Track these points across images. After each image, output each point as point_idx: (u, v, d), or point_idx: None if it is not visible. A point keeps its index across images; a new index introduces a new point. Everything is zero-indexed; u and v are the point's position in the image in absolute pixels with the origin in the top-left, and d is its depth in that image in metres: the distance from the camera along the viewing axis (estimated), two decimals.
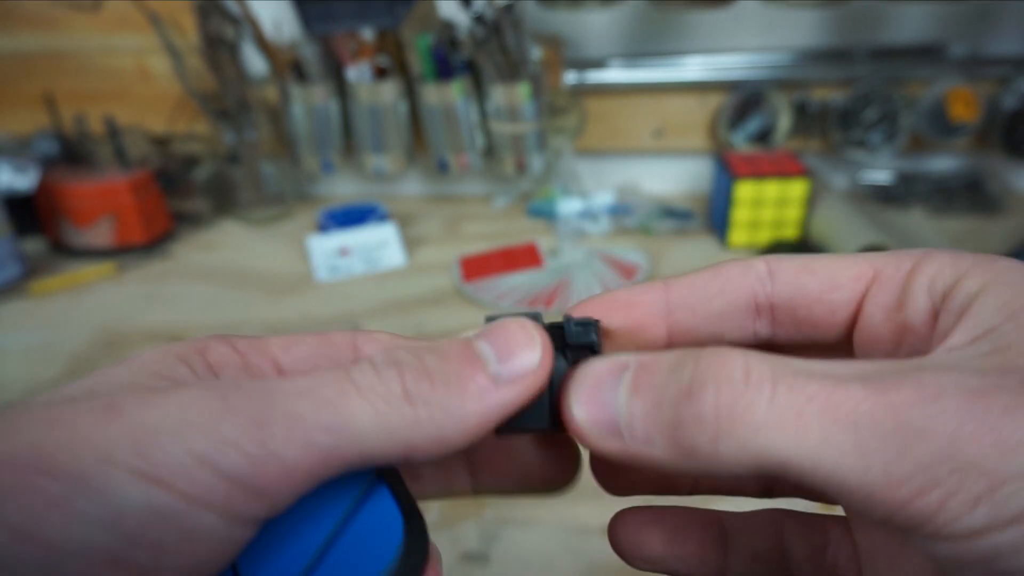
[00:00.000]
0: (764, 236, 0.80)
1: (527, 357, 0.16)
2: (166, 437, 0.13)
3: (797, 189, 0.77)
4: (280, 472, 0.14)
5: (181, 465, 0.13)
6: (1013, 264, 0.15)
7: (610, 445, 0.15)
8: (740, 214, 0.80)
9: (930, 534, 0.12)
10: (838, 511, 0.19)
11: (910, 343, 0.16)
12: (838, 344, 0.18)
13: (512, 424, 0.17)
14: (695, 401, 0.13)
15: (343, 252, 0.81)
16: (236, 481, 0.13)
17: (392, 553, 0.17)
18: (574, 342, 0.18)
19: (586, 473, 0.47)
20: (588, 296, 0.19)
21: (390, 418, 0.15)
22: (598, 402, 0.15)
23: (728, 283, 0.18)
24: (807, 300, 0.17)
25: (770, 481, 0.21)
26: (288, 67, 0.89)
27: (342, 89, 0.90)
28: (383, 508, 0.17)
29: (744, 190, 0.78)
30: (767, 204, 0.79)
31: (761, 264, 0.18)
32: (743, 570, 0.19)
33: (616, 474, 0.21)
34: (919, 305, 0.15)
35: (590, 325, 0.18)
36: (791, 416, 0.12)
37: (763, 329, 0.18)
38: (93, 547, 0.12)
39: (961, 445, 0.12)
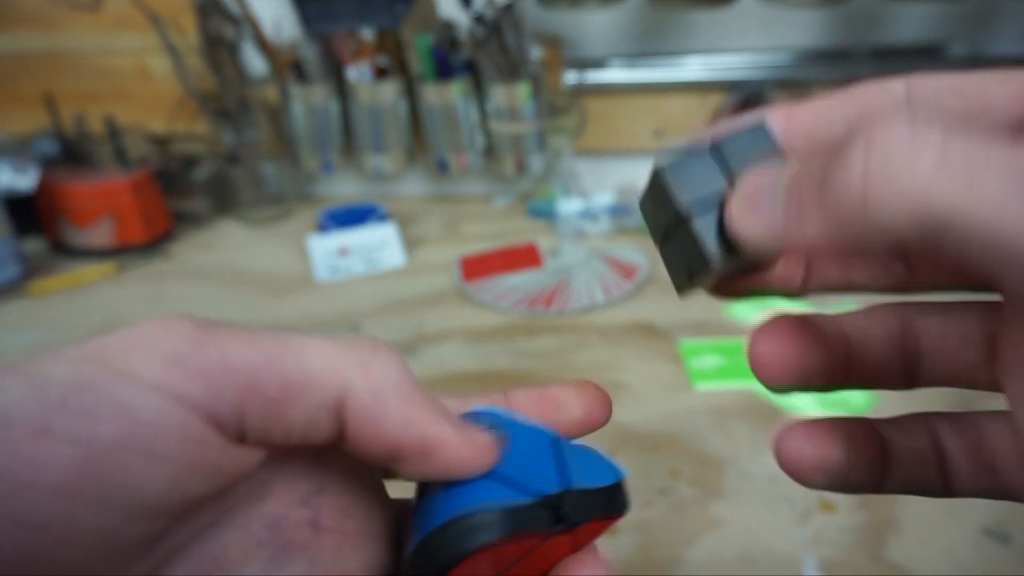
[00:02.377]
0: None
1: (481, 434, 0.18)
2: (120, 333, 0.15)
3: None
4: (228, 370, 0.15)
5: (128, 348, 0.14)
6: None
7: (767, 240, 0.14)
8: None
9: None
10: (986, 405, 0.18)
11: None
12: None
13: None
14: (845, 157, 0.12)
15: (343, 252, 0.81)
16: (183, 366, 0.14)
17: (615, 472, 0.19)
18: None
19: None
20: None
21: (337, 357, 0.16)
22: (757, 203, 0.15)
23: (860, 109, 0.16)
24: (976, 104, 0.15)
25: (909, 268, 0.18)
26: (288, 67, 0.89)
27: (342, 89, 0.90)
28: (583, 452, 0.20)
29: None
30: None
31: (900, 85, 0.16)
32: (906, 476, 0.18)
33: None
34: None
35: (759, 133, 0.16)
36: (963, 172, 0.11)
37: None
38: (18, 414, 0.13)
39: None
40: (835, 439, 0.18)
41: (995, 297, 0.16)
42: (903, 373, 0.18)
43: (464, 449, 0.17)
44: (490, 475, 0.17)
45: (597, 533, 0.20)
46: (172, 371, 0.14)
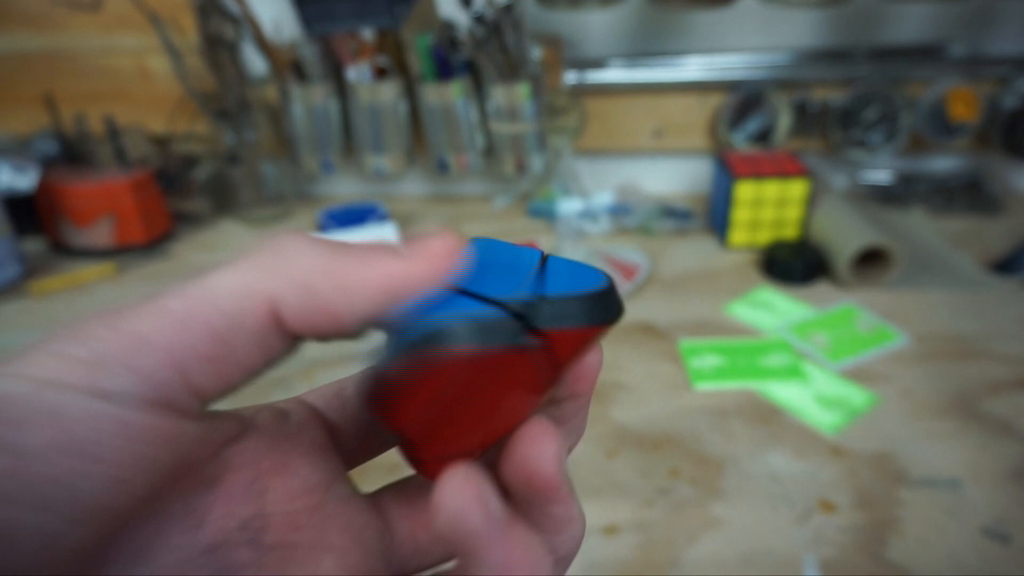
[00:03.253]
0: (764, 236, 0.80)
1: (437, 241, 0.17)
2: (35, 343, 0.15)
3: (797, 189, 0.77)
4: (135, 343, 0.15)
5: (37, 353, 0.14)
6: None
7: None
8: (740, 214, 0.80)
9: None
10: None
11: None
12: None
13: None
14: None
15: None
16: (91, 365, 0.14)
17: (601, 280, 0.17)
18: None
19: (587, 473, 0.47)
20: None
21: (250, 274, 0.16)
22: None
23: None
24: None
25: None
26: (288, 67, 0.89)
27: (342, 89, 0.90)
28: (567, 265, 0.18)
29: (744, 190, 0.78)
30: (767, 204, 0.79)
31: None
32: None
33: None
34: None
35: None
36: None
37: None
38: None
39: None
40: None
41: None
42: None
43: (410, 263, 0.17)
44: (456, 295, 0.17)
45: (580, 346, 0.17)
46: (95, 370, 0.14)
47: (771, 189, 0.78)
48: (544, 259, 0.18)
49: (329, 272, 0.16)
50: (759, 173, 0.78)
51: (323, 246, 0.17)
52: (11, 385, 0.14)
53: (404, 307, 0.16)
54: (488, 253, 0.18)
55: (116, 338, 0.15)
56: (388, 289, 0.16)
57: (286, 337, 0.16)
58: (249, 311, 0.15)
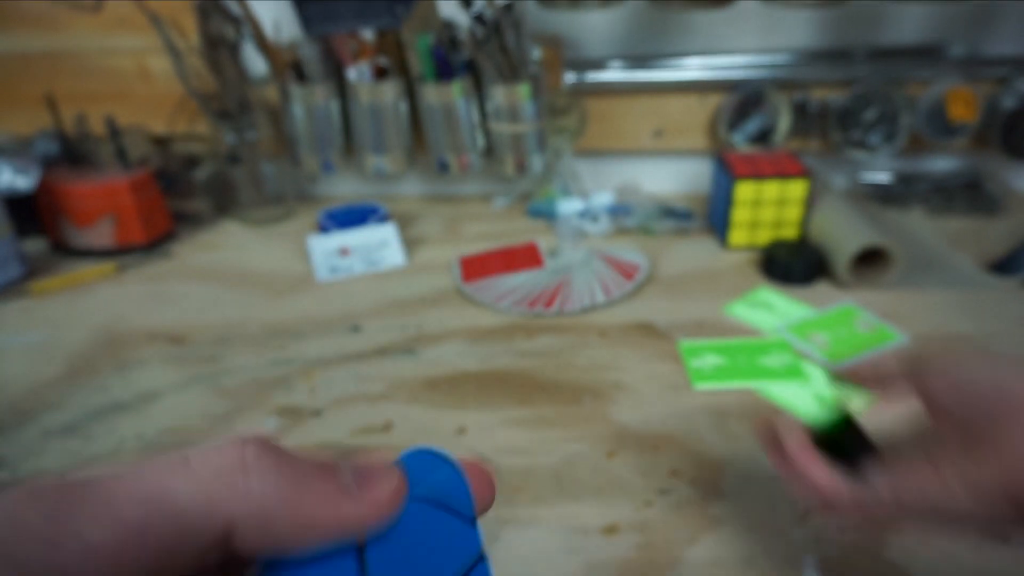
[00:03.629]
0: (764, 236, 0.81)
1: (384, 486, 0.18)
2: None
3: (797, 189, 0.78)
4: (82, 552, 0.14)
5: None
6: None
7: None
8: (740, 214, 0.80)
9: None
10: None
11: None
12: None
13: None
14: None
15: (343, 252, 0.81)
16: (38, 568, 0.14)
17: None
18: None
19: (587, 473, 0.48)
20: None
21: (213, 489, 0.15)
22: None
23: None
24: None
25: None
26: (288, 67, 0.89)
27: (342, 89, 0.91)
28: None
29: (744, 190, 0.78)
30: (767, 204, 0.79)
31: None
32: None
33: None
34: None
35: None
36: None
37: None
38: None
39: None
40: None
41: None
42: None
43: (362, 511, 0.18)
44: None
45: None
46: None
47: (771, 189, 0.78)
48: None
49: (289, 505, 0.16)
50: (759, 173, 0.78)
51: (285, 467, 0.17)
52: None
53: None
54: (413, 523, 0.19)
55: (63, 546, 0.14)
56: (337, 532, 0.17)
57: (225, 552, 0.16)
58: (205, 532, 0.15)
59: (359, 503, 0.17)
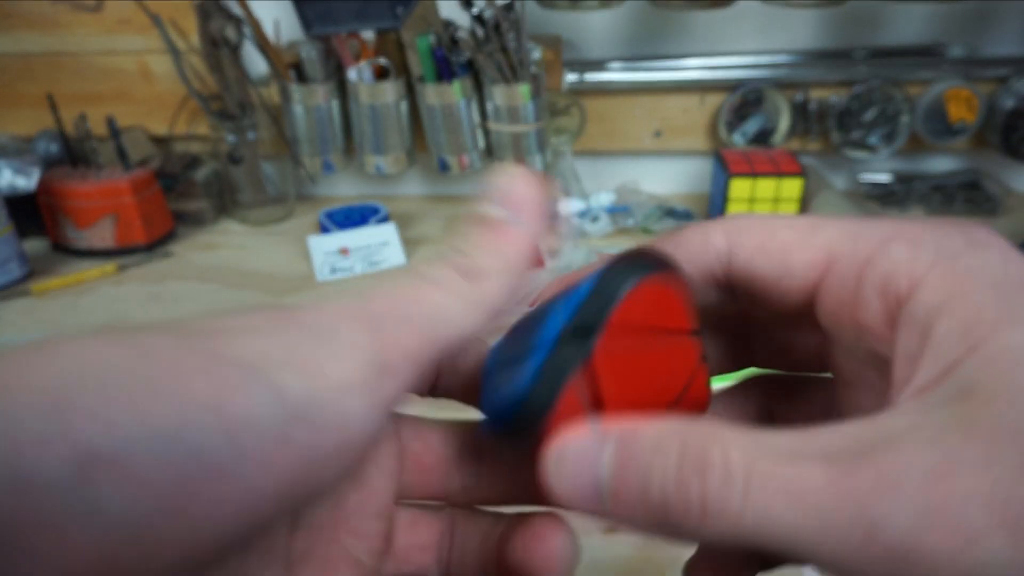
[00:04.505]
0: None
1: (530, 196, 0.21)
2: (318, 337, 0.16)
3: (792, 187, 0.78)
4: (405, 359, 0.16)
5: (334, 356, 0.15)
6: (978, 258, 0.14)
7: (590, 508, 0.15)
8: (735, 211, 0.80)
9: None
10: None
11: (869, 342, 0.16)
12: (803, 317, 0.17)
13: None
14: (682, 490, 0.13)
15: (344, 252, 0.81)
16: (376, 367, 0.16)
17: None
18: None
19: None
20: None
21: (466, 296, 0.18)
22: (580, 475, 0.15)
23: (688, 255, 0.18)
24: (763, 283, 0.17)
25: None
26: (289, 67, 0.89)
27: (343, 89, 0.91)
28: None
29: (739, 187, 0.78)
30: (762, 202, 0.79)
31: (720, 238, 0.18)
32: None
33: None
34: (873, 308, 0.15)
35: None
36: (763, 508, 0.13)
37: (726, 300, 0.19)
38: (264, 423, 0.14)
39: (921, 537, 0.12)
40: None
41: None
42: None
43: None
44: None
45: (655, 305, 0.17)
46: (373, 378, 0.16)
47: (766, 187, 0.78)
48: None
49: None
50: (754, 171, 0.78)
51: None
52: (317, 389, 0.15)
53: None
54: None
55: (384, 342, 0.16)
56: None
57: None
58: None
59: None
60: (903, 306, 0.14)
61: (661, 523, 0.14)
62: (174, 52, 0.86)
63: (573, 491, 0.15)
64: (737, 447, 0.13)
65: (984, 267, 0.14)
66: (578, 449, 0.15)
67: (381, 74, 0.89)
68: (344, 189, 1.04)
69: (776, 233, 0.17)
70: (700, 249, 0.18)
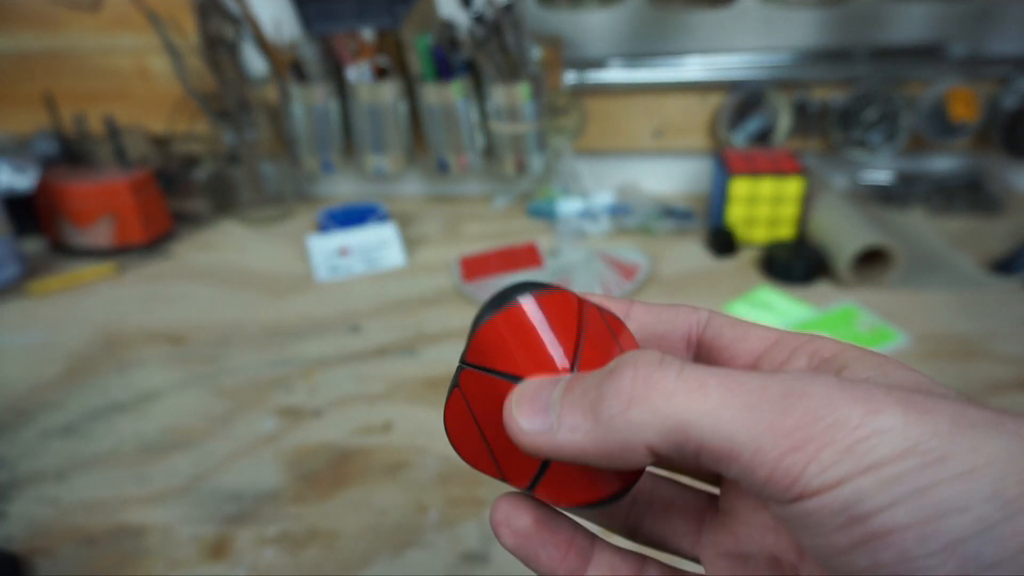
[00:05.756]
0: (760, 234, 0.80)
1: None
2: None
3: (793, 187, 0.77)
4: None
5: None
6: (890, 359, 0.18)
7: (542, 441, 0.16)
8: (735, 211, 0.80)
9: (800, 491, 0.13)
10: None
11: None
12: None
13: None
14: (615, 377, 0.16)
15: (343, 252, 0.81)
16: None
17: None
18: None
19: None
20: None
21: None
22: (535, 406, 0.17)
23: (676, 318, 0.22)
24: (722, 344, 0.21)
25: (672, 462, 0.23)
26: (288, 67, 0.89)
27: (342, 89, 0.90)
28: None
29: (739, 187, 0.78)
30: (762, 201, 0.79)
31: (705, 313, 0.22)
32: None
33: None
34: (799, 363, 0.19)
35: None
36: (695, 386, 0.15)
37: (689, 357, 0.22)
38: None
39: (836, 404, 0.14)
40: (539, 513, 0.20)
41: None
42: (625, 527, 0.23)
43: None
44: None
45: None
46: None
47: (766, 186, 0.78)
48: None
49: None
50: (755, 170, 0.78)
51: None
52: None
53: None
54: None
55: None
56: None
57: None
58: None
59: None
60: (824, 362, 0.18)
61: (595, 419, 0.15)
62: (173, 51, 0.86)
63: (529, 414, 0.17)
64: (673, 357, 0.16)
65: (893, 360, 0.18)
66: (536, 384, 0.17)
67: (381, 74, 0.88)
68: (343, 189, 1.04)
69: (744, 322, 0.21)
70: (687, 315, 0.21)
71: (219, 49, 0.86)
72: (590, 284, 0.74)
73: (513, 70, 0.83)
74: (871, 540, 0.13)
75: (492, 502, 0.20)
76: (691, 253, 0.82)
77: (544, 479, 0.19)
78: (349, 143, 0.95)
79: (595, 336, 0.19)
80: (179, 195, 0.97)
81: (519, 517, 0.20)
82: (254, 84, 0.92)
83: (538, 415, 0.17)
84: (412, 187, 1.03)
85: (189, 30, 0.88)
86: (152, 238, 0.87)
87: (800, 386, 0.14)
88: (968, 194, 0.90)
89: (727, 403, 0.14)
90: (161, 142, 0.98)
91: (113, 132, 0.89)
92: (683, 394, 0.15)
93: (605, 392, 0.15)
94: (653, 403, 0.15)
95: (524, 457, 0.18)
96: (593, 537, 0.21)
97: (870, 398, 0.14)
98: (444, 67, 0.85)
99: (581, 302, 0.20)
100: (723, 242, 0.80)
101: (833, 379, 0.14)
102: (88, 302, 0.76)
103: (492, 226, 0.91)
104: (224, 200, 0.96)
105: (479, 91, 0.88)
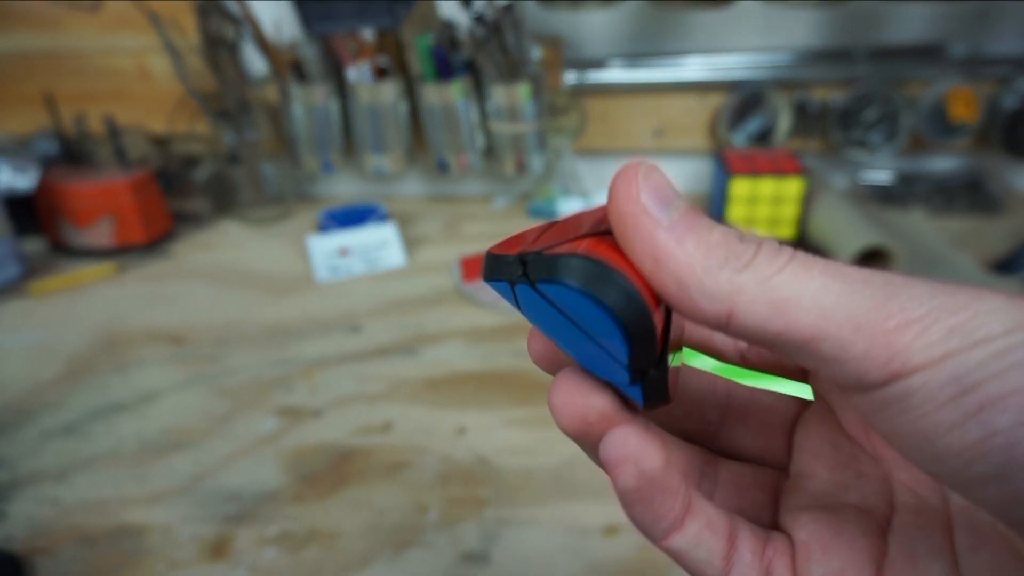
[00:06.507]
0: (760, 234, 0.80)
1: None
2: None
3: (793, 187, 0.77)
4: None
5: None
6: None
7: (652, 230, 0.15)
8: (735, 211, 0.80)
9: (900, 366, 0.13)
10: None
11: None
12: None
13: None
14: (741, 240, 0.15)
15: (343, 252, 0.81)
16: None
17: None
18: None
19: (587, 473, 0.47)
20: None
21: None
22: (659, 193, 0.16)
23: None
24: None
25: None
26: (288, 67, 0.89)
27: (342, 89, 0.90)
28: None
29: (739, 187, 0.78)
30: (762, 201, 0.79)
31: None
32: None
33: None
34: None
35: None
36: (801, 268, 0.15)
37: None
38: None
39: (940, 292, 0.14)
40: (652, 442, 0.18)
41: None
42: (705, 432, 0.22)
43: None
44: None
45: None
46: None
47: (766, 186, 0.78)
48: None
49: None
50: (755, 170, 0.78)
51: None
52: None
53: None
54: None
55: None
56: None
57: None
58: None
59: None
60: None
61: (701, 259, 0.15)
62: (173, 52, 0.86)
63: (652, 195, 0.16)
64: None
65: None
66: (656, 172, 0.16)
67: (381, 74, 0.88)
68: (343, 189, 1.04)
69: None
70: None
71: (219, 49, 0.86)
72: None
73: (513, 70, 0.83)
74: (985, 408, 0.13)
75: (609, 433, 0.17)
76: None
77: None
78: (349, 143, 0.95)
79: None
80: (179, 195, 0.97)
81: (651, 457, 0.17)
82: (254, 84, 0.92)
83: (658, 201, 0.16)
84: (412, 187, 1.03)
85: (189, 30, 0.88)
86: (152, 238, 0.87)
87: (903, 280, 0.14)
88: (968, 194, 0.90)
89: (829, 287, 0.14)
90: (161, 142, 0.98)
91: (113, 132, 0.89)
92: (790, 272, 0.14)
93: (730, 244, 0.15)
94: (763, 274, 0.15)
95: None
96: (690, 485, 0.20)
97: (972, 288, 0.14)
98: (444, 67, 0.85)
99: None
100: None
101: (935, 279, 0.14)
102: (88, 302, 0.76)
103: (492, 226, 0.91)
104: (224, 200, 0.96)
105: (479, 91, 0.88)
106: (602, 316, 0.15)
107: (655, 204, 0.15)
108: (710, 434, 0.22)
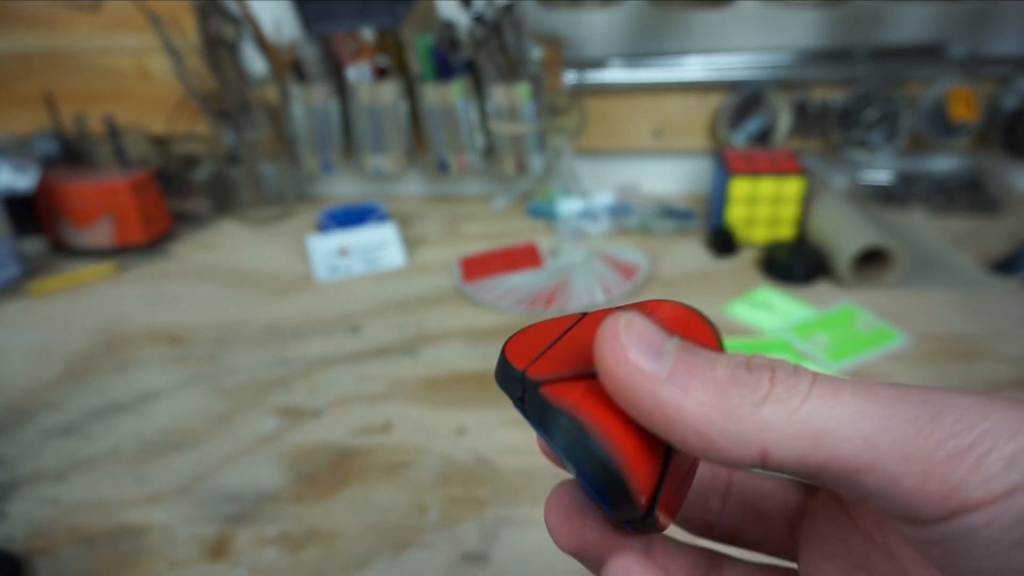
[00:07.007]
0: (760, 234, 0.80)
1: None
2: None
3: (793, 187, 0.77)
4: None
5: None
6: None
7: (646, 385, 0.14)
8: (735, 211, 0.80)
9: (959, 503, 0.12)
10: None
11: None
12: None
13: None
14: (752, 369, 0.14)
15: (343, 252, 0.81)
16: None
17: None
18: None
19: None
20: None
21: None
22: (644, 343, 0.14)
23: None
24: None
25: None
26: (288, 67, 0.89)
27: (342, 89, 0.90)
28: None
29: (739, 187, 0.78)
30: (762, 201, 0.79)
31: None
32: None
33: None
34: None
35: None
36: (829, 393, 0.13)
37: None
38: None
39: (987, 411, 0.12)
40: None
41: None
42: (707, 520, 0.21)
43: None
44: None
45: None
46: None
47: (766, 186, 0.78)
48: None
49: None
50: (755, 170, 0.78)
51: None
52: None
53: None
54: None
55: None
56: None
57: None
58: None
59: None
60: None
61: (714, 403, 0.14)
62: (173, 52, 0.86)
63: (641, 349, 0.14)
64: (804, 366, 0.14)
65: None
66: (638, 320, 0.15)
67: (380, 74, 0.88)
68: (343, 189, 1.04)
69: None
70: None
71: (219, 49, 0.86)
72: (590, 284, 0.74)
73: (513, 70, 0.83)
74: None
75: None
76: (691, 253, 0.82)
77: (667, 475, 0.16)
78: (349, 143, 0.95)
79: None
80: (179, 195, 0.97)
81: None
82: (254, 84, 0.92)
83: (648, 354, 0.14)
84: (412, 187, 1.03)
85: (189, 30, 0.88)
86: (152, 238, 0.87)
87: (941, 396, 0.13)
88: (968, 194, 0.90)
89: (866, 411, 0.13)
90: (161, 142, 0.98)
91: (113, 132, 0.89)
92: (818, 399, 0.13)
93: (739, 378, 0.14)
94: (788, 406, 0.13)
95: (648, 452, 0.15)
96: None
97: (1021, 403, 0.13)
98: (444, 67, 0.85)
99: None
100: (723, 242, 0.80)
101: (972, 390, 0.13)
102: (88, 302, 0.76)
103: (492, 226, 0.91)
104: (224, 200, 0.96)
105: (479, 91, 0.88)
106: (583, 476, 0.15)
107: (646, 358, 0.14)
108: (711, 523, 0.21)
